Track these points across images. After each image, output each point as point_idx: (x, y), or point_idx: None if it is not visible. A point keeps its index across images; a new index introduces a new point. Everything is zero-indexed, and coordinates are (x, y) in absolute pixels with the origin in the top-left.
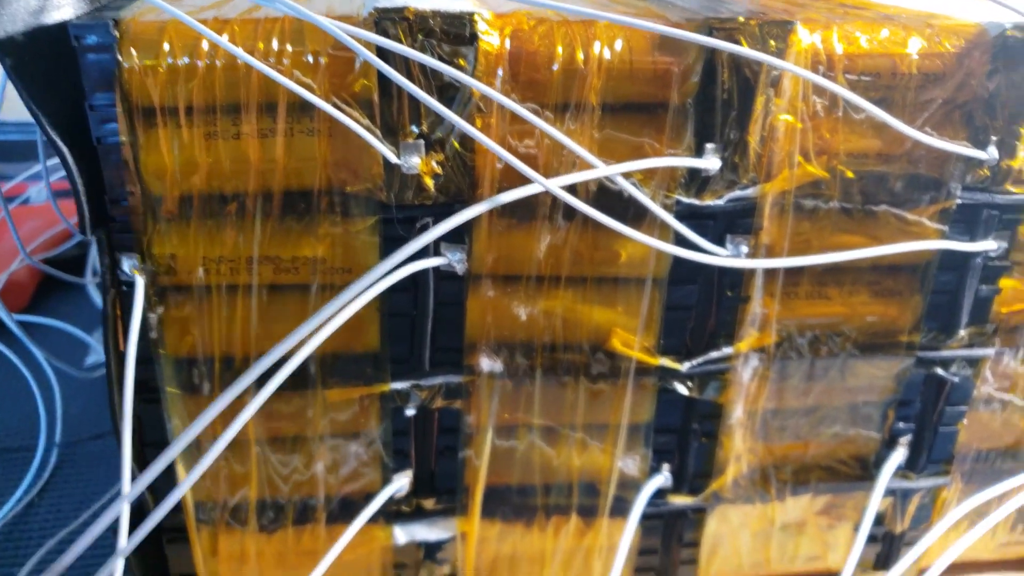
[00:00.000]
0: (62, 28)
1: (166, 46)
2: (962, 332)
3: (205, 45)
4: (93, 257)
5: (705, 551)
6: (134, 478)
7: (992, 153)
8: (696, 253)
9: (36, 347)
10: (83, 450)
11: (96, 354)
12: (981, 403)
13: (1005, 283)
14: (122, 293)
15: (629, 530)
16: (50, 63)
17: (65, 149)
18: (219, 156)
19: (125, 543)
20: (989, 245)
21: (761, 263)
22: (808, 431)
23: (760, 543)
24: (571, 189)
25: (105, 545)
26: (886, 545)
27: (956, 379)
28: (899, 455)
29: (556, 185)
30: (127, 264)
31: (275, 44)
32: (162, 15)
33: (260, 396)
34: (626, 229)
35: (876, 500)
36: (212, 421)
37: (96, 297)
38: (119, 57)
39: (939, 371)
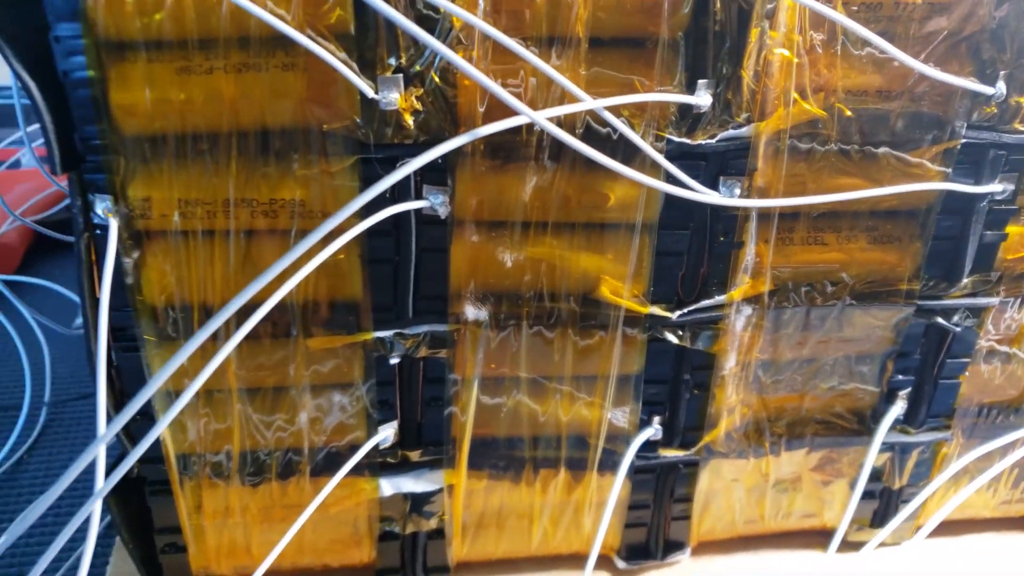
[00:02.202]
0: None
1: None
2: (965, 280)
3: None
4: None
5: (698, 507)
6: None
7: (1000, 88)
8: (687, 191)
9: (25, 307)
10: (72, 409)
11: None
12: (984, 355)
13: (1012, 229)
14: (96, 237)
15: (617, 483)
16: None
17: (32, 83)
18: (192, 92)
19: (102, 484)
20: (995, 188)
21: (755, 203)
22: (804, 383)
23: (754, 499)
24: (557, 127)
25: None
26: (884, 502)
27: (958, 329)
28: (898, 409)
29: (542, 117)
30: (100, 206)
31: None
32: None
33: (235, 337)
34: (614, 163)
35: (873, 454)
36: (190, 368)
37: None
38: None
39: (940, 321)
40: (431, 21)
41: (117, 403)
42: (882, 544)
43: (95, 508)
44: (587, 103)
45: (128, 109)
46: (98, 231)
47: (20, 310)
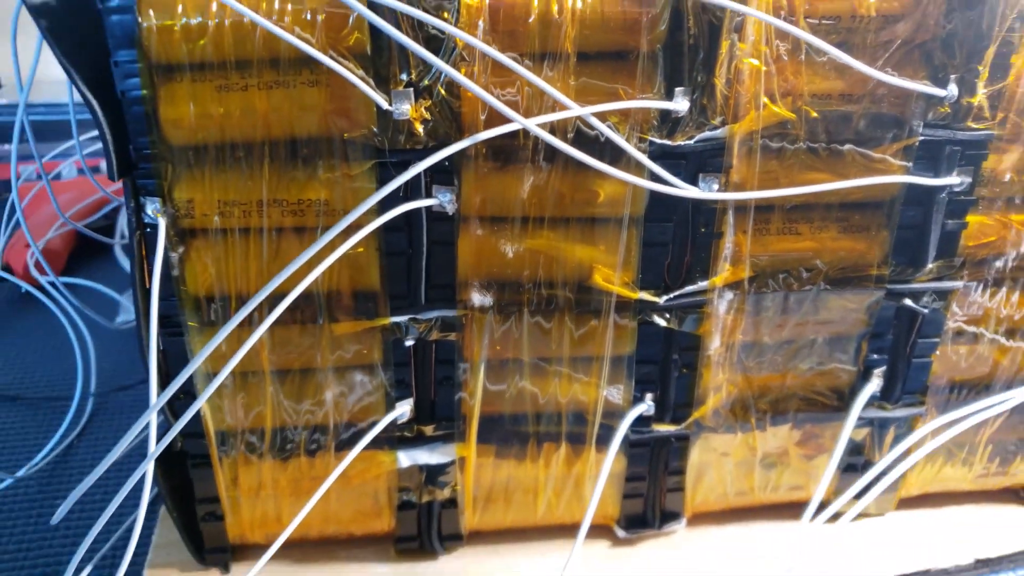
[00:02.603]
0: None
1: (180, 7)
2: (930, 265)
3: (214, 6)
4: (121, 224)
5: (691, 479)
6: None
7: (952, 91)
8: (669, 188)
9: (72, 304)
10: (115, 399)
11: (126, 312)
12: (952, 335)
13: (972, 218)
14: (146, 234)
15: (611, 453)
16: (79, 24)
17: (95, 102)
18: (229, 107)
19: (154, 447)
20: (953, 180)
21: (731, 196)
22: (785, 363)
23: (743, 472)
24: (550, 132)
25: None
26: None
27: (927, 311)
28: (873, 385)
29: (533, 123)
30: (150, 207)
31: (276, 3)
32: None
33: (265, 322)
34: (600, 164)
35: (849, 427)
36: (227, 351)
37: (125, 261)
38: (139, 18)
39: (909, 303)
40: (437, 41)
41: (163, 383)
42: (866, 515)
43: (148, 470)
44: (575, 110)
45: (175, 123)
46: (148, 229)
47: (68, 308)
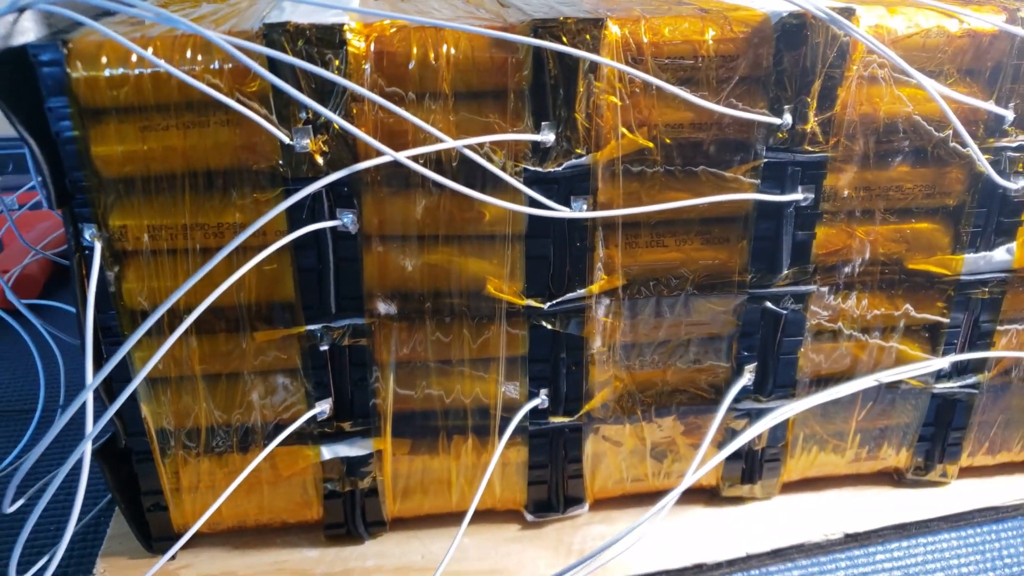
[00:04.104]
0: (24, 48)
1: (104, 59)
2: (786, 271)
3: (134, 58)
4: None
5: (589, 467)
6: (105, 408)
7: (787, 119)
8: (534, 210)
9: (42, 325)
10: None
11: None
12: (814, 334)
13: (820, 229)
14: (85, 256)
15: (502, 442)
16: (18, 76)
17: (33, 142)
18: (152, 144)
19: (91, 428)
20: (797, 196)
21: (591, 214)
22: (664, 360)
23: (636, 460)
24: (437, 161)
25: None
26: (748, 462)
27: (787, 312)
28: (744, 380)
29: (403, 156)
30: (87, 232)
31: (188, 54)
32: (101, 35)
33: (179, 329)
34: (468, 191)
35: (720, 416)
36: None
37: None
38: (68, 69)
39: (770, 306)
40: (330, 84)
41: (108, 387)
42: (753, 499)
43: (86, 450)
44: (448, 143)
45: (105, 159)
46: (86, 251)
47: (39, 328)
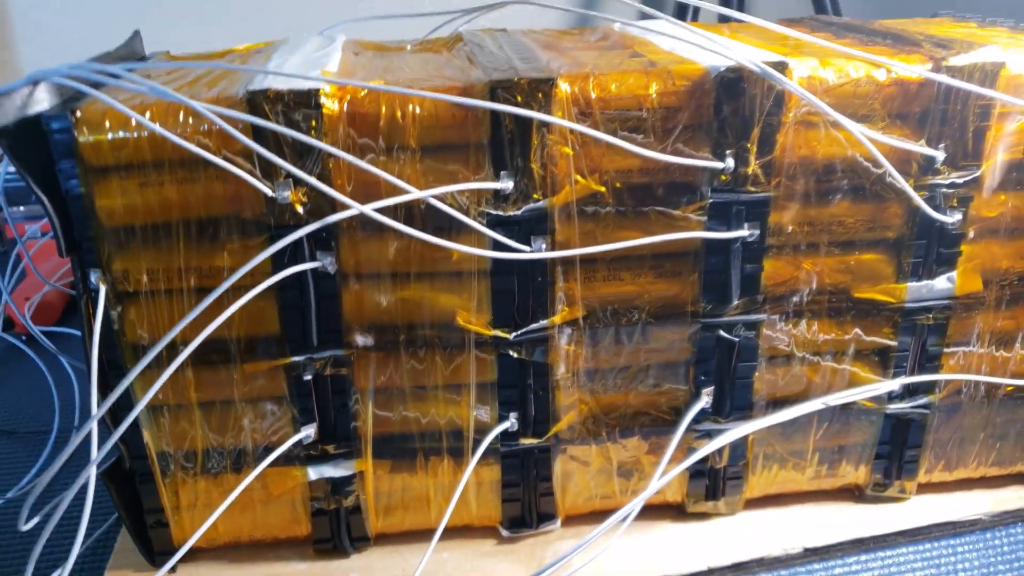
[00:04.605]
0: (38, 117)
1: (107, 124)
2: (736, 302)
3: (134, 122)
4: None
5: (558, 484)
6: (110, 434)
7: (729, 163)
8: (494, 252)
9: (58, 352)
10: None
11: None
12: (768, 358)
13: (767, 262)
14: (91, 297)
15: (472, 462)
16: (32, 141)
17: (45, 199)
18: (149, 199)
19: (95, 454)
20: (743, 233)
21: (549, 255)
22: (625, 385)
23: (604, 478)
24: (408, 208)
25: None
26: (712, 479)
27: (739, 339)
28: (702, 402)
29: (369, 208)
30: (93, 276)
31: (180, 117)
32: (104, 104)
33: (175, 361)
34: (431, 238)
35: (677, 437)
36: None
37: None
38: (76, 135)
39: (724, 334)
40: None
41: (113, 416)
42: (719, 515)
43: (91, 474)
44: (414, 193)
45: (108, 212)
46: (92, 293)
47: (56, 355)
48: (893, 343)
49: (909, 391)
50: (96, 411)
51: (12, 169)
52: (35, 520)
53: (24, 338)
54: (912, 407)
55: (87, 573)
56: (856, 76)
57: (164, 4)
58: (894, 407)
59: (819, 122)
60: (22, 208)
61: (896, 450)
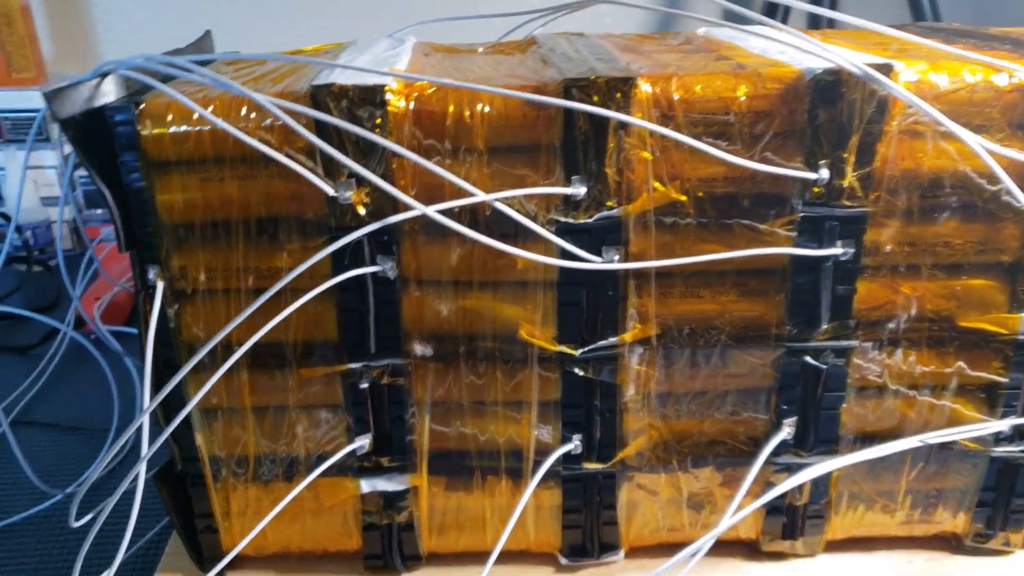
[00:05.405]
0: (103, 109)
1: (170, 118)
2: (825, 326)
3: (196, 116)
4: None
5: (623, 513)
6: (160, 432)
7: (823, 174)
8: (562, 261)
9: (123, 351)
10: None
11: None
12: (858, 389)
13: (862, 284)
14: (149, 294)
15: (531, 485)
16: (97, 134)
17: (107, 192)
18: (210, 194)
19: (145, 449)
20: (836, 251)
21: (621, 266)
22: (700, 411)
23: (673, 509)
24: (473, 213)
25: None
26: (790, 517)
27: (826, 367)
28: (783, 434)
29: (433, 210)
30: (151, 273)
31: (244, 112)
32: (169, 97)
33: (227, 362)
34: (495, 243)
35: (754, 472)
36: (215, 389)
37: None
38: (138, 127)
39: (810, 360)
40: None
41: (167, 416)
42: (796, 555)
43: (141, 470)
44: (479, 196)
45: (168, 207)
46: (150, 289)
47: (119, 354)
48: (1003, 379)
49: (1020, 433)
50: (147, 405)
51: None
52: (87, 517)
53: (93, 337)
54: (1022, 451)
55: (138, 573)
56: (972, 81)
57: (238, 6)
58: (1001, 450)
59: (926, 132)
60: (99, 211)
61: (1002, 497)
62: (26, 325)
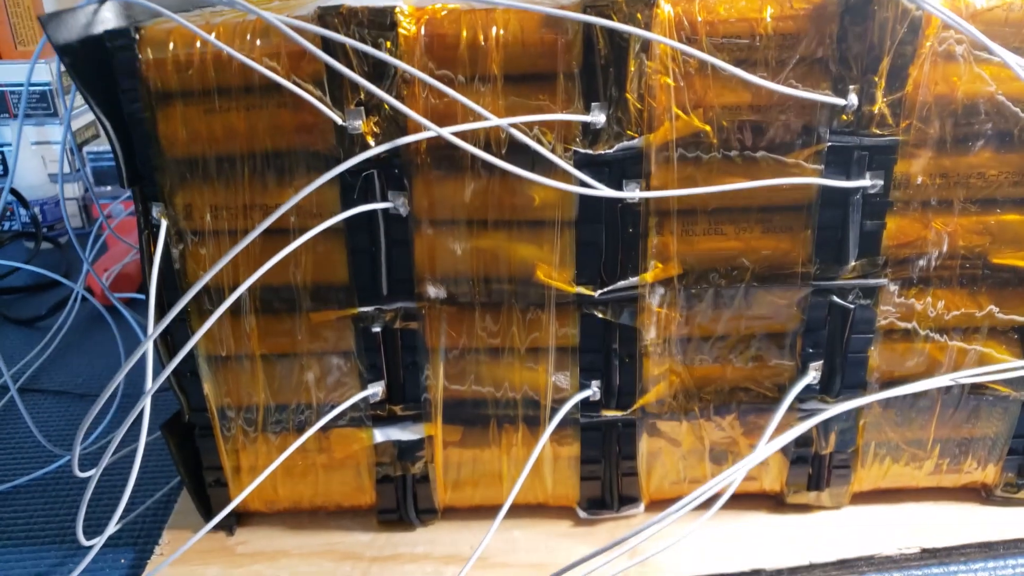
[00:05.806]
0: (102, 35)
1: (171, 44)
2: (853, 263)
3: (199, 43)
4: None
5: (643, 465)
6: (162, 368)
7: (852, 100)
8: (583, 189)
9: (132, 317)
10: (165, 397)
11: None
12: (885, 332)
13: (891, 219)
14: (152, 233)
15: (547, 431)
16: (95, 60)
17: (107, 122)
18: (214, 127)
19: (151, 383)
20: (865, 183)
21: (643, 194)
22: (724, 356)
23: (695, 460)
24: (486, 144)
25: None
26: (816, 467)
27: (854, 307)
28: (809, 378)
29: (447, 131)
30: (154, 211)
31: (248, 38)
32: (171, 23)
33: (227, 300)
34: (517, 170)
35: (778, 416)
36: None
37: None
38: (138, 53)
39: (837, 300)
40: (382, 65)
41: (171, 354)
42: (821, 507)
43: (146, 405)
44: (492, 121)
45: (170, 140)
46: (154, 228)
47: (129, 320)
48: None
49: None
50: (151, 331)
51: (99, 150)
52: (98, 470)
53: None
54: None
55: (145, 532)
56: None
57: None
58: None
59: (961, 54)
60: (108, 188)
61: None
62: (34, 299)
